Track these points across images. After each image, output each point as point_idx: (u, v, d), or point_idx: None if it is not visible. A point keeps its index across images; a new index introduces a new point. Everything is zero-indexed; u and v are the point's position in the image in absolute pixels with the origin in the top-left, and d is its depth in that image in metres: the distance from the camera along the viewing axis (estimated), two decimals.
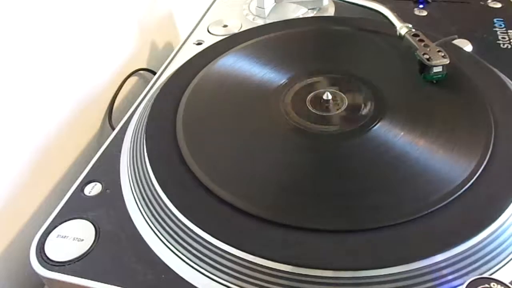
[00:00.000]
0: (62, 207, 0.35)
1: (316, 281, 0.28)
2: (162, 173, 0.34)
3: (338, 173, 0.34)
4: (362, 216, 0.30)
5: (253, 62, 0.44)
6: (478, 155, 0.33)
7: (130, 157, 0.38)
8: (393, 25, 0.44)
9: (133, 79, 0.56)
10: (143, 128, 0.39)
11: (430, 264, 0.28)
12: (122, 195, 0.35)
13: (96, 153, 0.39)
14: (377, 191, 0.32)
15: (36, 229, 0.34)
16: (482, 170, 0.32)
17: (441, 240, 0.29)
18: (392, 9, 0.46)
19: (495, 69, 0.42)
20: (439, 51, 0.40)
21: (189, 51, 0.50)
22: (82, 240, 0.33)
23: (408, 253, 0.28)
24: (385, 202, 0.31)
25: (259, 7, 0.55)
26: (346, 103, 0.39)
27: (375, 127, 0.36)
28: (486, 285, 0.25)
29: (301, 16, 0.55)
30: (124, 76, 0.53)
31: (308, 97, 0.40)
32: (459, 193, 0.31)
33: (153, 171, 0.34)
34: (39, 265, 0.32)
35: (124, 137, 0.41)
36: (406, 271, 0.28)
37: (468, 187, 0.31)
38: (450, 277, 0.28)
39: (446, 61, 0.39)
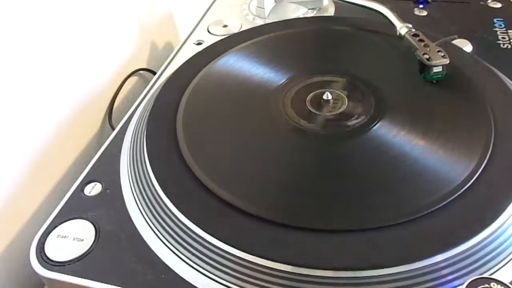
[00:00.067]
0: (62, 207, 0.35)
1: (316, 281, 0.28)
2: (162, 173, 0.34)
3: (338, 173, 0.34)
4: (362, 216, 0.30)
5: (253, 62, 0.44)
6: (478, 155, 0.33)
7: (130, 157, 0.38)
8: (393, 25, 0.44)
9: (133, 79, 0.56)
10: (143, 128, 0.39)
11: (430, 264, 0.28)
12: (122, 195, 0.35)
13: (96, 153, 0.39)
14: (377, 191, 0.32)
15: (36, 229, 0.34)
16: (482, 170, 0.32)
17: (441, 240, 0.29)
18: (392, 9, 0.46)
19: (495, 69, 0.42)
20: (439, 51, 0.40)
21: (189, 51, 0.50)
22: (82, 240, 0.33)
23: (408, 253, 0.28)
24: (385, 202, 0.31)
25: (259, 7, 0.55)
26: (346, 103, 0.39)
27: (375, 127, 0.36)
28: (486, 285, 0.25)
29: (301, 16, 0.55)
30: (124, 76, 0.53)
31: (308, 97, 0.40)
32: (459, 193, 0.31)
33: (153, 171, 0.34)
34: (39, 265, 0.32)
35: (124, 137, 0.41)
36: (406, 271, 0.28)
37: (468, 187, 0.31)
38: (450, 277, 0.28)
39: (446, 61, 0.39)
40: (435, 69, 0.39)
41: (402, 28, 0.43)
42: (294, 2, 0.56)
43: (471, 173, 0.32)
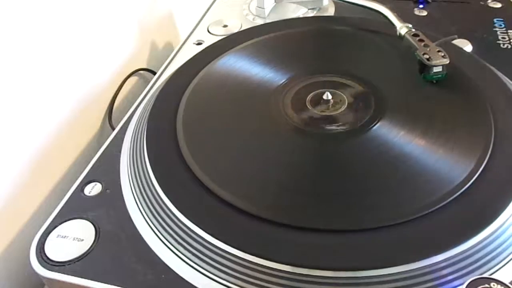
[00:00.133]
0: (62, 207, 0.35)
1: (316, 281, 0.28)
2: (162, 173, 0.34)
3: (338, 173, 0.34)
4: (362, 216, 0.30)
5: (253, 62, 0.44)
6: (478, 155, 0.33)
7: (130, 157, 0.38)
8: (393, 25, 0.44)
9: (133, 79, 0.56)
10: (143, 128, 0.39)
11: (430, 264, 0.28)
12: (122, 195, 0.35)
13: (96, 153, 0.39)
14: (377, 191, 0.32)
15: (36, 229, 0.34)
16: (482, 170, 0.32)
17: (441, 240, 0.29)
18: (392, 9, 0.46)
19: (495, 69, 0.42)
20: (439, 51, 0.40)
21: (189, 51, 0.50)
22: (82, 240, 0.33)
23: (408, 253, 0.28)
24: (385, 202, 0.31)
25: (259, 7, 0.55)
26: (346, 103, 0.39)
27: (375, 127, 0.36)
28: (486, 285, 0.25)
29: (301, 16, 0.55)
30: (124, 76, 0.53)
31: (308, 97, 0.40)
32: (459, 193, 0.31)
33: (153, 171, 0.34)
34: (39, 265, 0.32)
35: (124, 137, 0.41)
36: (406, 271, 0.28)
37: (468, 187, 0.31)
38: (450, 277, 0.28)
39: (446, 61, 0.39)
40: (435, 69, 0.39)
41: (402, 28, 0.43)
42: (294, 2, 0.56)
43: (471, 173, 0.32)
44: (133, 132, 0.40)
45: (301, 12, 0.55)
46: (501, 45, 0.48)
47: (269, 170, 0.34)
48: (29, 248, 0.33)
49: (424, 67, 0.40)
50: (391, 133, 0.36)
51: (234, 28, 0.54)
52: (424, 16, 0.54)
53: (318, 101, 0.39)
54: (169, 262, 0.31)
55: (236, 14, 0.57)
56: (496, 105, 0.38)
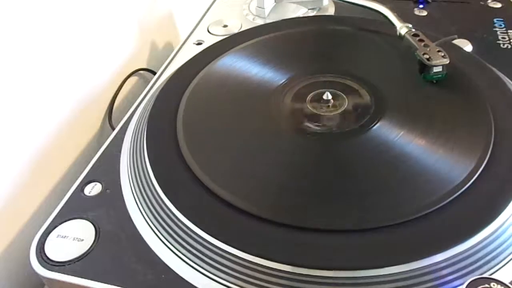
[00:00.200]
0: (62, 207, 0.35)
1: (316, 281, 0.28)
2: (162, 173, 0.34)
3: (338, 173, 0.34)
4: (362, 216, 0.30)
5: (253, 62, 0.44)
6: (478, 155, 0.33)
7: (130, 157, 0.38)
8: (393, 25, 0.44)
9: (133, 79, 0.56)
10: (143, 128, 0.39)
11: (430, 264, 0.28)
12: (122, 195, 0.35)
13: (96, 153, 0.39)
14: (377, 191, 0.32)
15: (36, 229, 0.34)
16: (482, 170, 0.32)
17: (441, 240, 0.29)
18: (392, 9, 0.46)
19: (495, 69, 0.42)
20: (439, 51, 0.40)
21: (189, 51, 0.50)
22: (82, 240, 0.33)
23: (408, 253, 0.28)
24: (385, 202, 0.31)
25: (259, 7, 0.55)
26: (346, 103, 0.39)
27: (374, 127, 0.36)
28: (486, 285, 0.25)
29: (301, 16, 0.55)
30: (124, 76, 0.53)
31: (308, 97, 0.40)
32: (459, 193, 0.31)
33: (153, 171, 0.34)
34: (39, 265, 0.32)
35: (124, 137, 0.41)
36: (406, 271, 0.28)
37: (468, 187, 0.31)
38: (450, 277, 0.28)
39: (446, 61, 0.39)
40: (435, 69, 0.39)
41: (402, 28, 0.43)
42: (294, 2, 0.56)
43: (471, 173, 0.32)
44: (133, 132, 0.40)
45: (301, 12, 0.55)
46: (501, 45, 0.48)
47: (269, 170, 0.34)
48: (29, 248, 0.33)
49: (424, 67, 0.40)
50: (391, 133, 0.36)
51: (234, 28, 0.54)
52: (424, 16, 0.54)
53: (318, 101, 0.39)
54: (169, 262, 0.31)
55: (236, 14, 0.57)
56: (496, 105, 0.38)
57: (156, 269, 0.31)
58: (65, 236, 0.33)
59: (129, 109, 0.44)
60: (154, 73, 0.50)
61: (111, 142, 0.40)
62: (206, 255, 0.30)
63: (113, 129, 0.44)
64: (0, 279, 0.39)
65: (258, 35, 0.48)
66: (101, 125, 0.51)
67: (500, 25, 0.51)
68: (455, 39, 0.45)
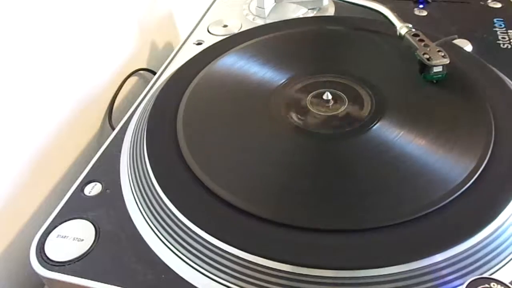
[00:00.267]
0: (62, 207, 0.35)
1: (316, 281, 0.28)
2: (162, 173, 0.34)
3: (338, 173, 0.34)
4: (362, 216, 0.30)
5: (253, 62, 0.44)
6: (478, 155, 0.33)
7: (130, 157, 0.38)
8: (393, 25, 0.44)
9: (133, 79, 0.56)
10: (143, 128, 0.39)
11: (429, 264, 0.28)
12: (122, 195, 0.35)
13: (96, 153, 0.39)
14: (377, 191, 0.32)
15: (36, 229, 0.34)
16: (482, 170, 0.32)
17: (441, 240, 0.29)
18: (392, 9, 0.46)
19: (495, 69, 0.42)
20: (439, 51, 0.40)
21: (189, 51, 0.50)
22: (82, 240, 0.33)
23: (408, 253, 0.28)
24: (385, 202, 0.31)
25: (259, 7, 0.55)
26: (346, 103, 0.39)
27: (374, 127, 0.36)
28: (486, 285, 0.25)
29: (301, 16, 0.55)
30: (124, 76, 0.53)
31: (308, 97, 0.40)
32: (459, 193, 0.31)
33: (153, 171, 0.34)
34: (39, 265, 0.32)
35: (124, 137, 0.41)
36: (406, 271, 0.28)
37: (468, 187, 0.31)
38: (450, 277, 0.28)
39: (446, 61, 0.39)
40: (435, 69, 0.39)
41: (402, 28, 0.43)
42: (294, 2, 0.56)
43: (471, 173, 0.32)
44: (133, 132, 0.40)
45: (301, 12, 0.55)
46: (501, 45, 0.48)
47: (269, 170, 0.34)
48: (29, 248, 0.33)
49: (424, 67, 0.40)
50: (391, 133, 0.36)
51: (234, 28, 0.54)
52: (424, 16, 0.54)
53: (318, 101, 0.39)
54: (169, 262, 0.31)
55: (236, 14, 0.57)
56: (496, 105, 0.38)
57: (156, 269, 0.31)
58: (65, 236, 0.33)
59: (129, 109, 0.44)
60: (154, 73, 0.50)
61: (111, 142, 0.40)
62: (206, 255, 0.30)
63: (113, 129, 0.44)
64: (0, 279, 0.39)
65: (258, 35, 0.48)
66: (101, 125, 0.51)
67: (500, 25, 0.51)
68: (455, 39, 0.45)
